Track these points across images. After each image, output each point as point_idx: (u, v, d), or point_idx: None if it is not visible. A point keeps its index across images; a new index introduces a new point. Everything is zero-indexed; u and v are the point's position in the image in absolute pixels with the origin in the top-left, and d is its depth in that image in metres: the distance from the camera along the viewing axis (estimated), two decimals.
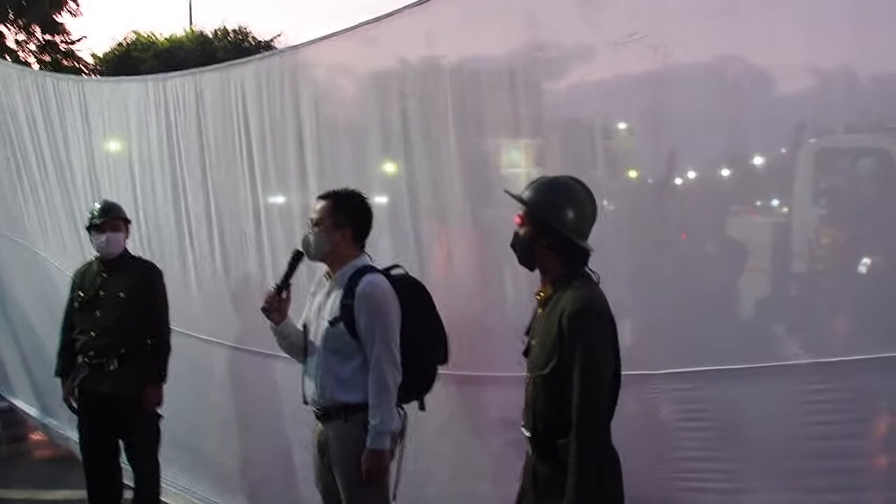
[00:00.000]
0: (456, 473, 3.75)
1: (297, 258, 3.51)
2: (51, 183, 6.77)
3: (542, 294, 2.79)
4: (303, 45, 4.51)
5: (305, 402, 3.52)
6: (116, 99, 5.87)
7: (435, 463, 3.50)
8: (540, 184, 2.78)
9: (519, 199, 2.78)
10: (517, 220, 2.80)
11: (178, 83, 5.22)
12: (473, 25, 3.64)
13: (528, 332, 2.88)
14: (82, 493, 5.02)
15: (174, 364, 4.82)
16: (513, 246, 2.83)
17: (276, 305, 3.49)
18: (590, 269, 2.73)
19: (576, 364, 2.54)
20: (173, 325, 4.89)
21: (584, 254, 2.71)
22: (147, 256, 5.23)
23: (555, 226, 2.67)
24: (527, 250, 2.78)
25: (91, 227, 4.83)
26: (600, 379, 2.58)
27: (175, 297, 4.96)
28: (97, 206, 4.95)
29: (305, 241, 3.47)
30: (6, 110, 7.38)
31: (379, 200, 3.80)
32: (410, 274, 3.55)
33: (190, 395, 5.16)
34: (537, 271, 2.84)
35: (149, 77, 5.70)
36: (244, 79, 4.73)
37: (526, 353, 2.85)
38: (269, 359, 4.61)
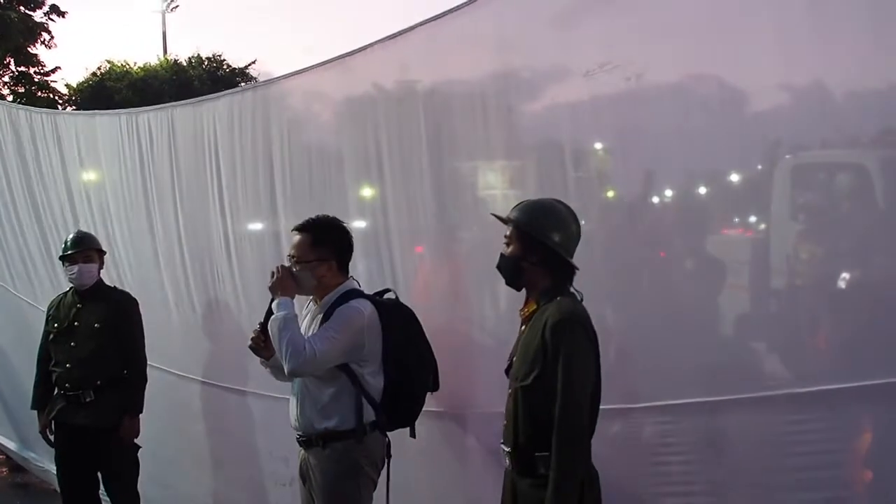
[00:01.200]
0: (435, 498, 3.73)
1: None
2: (21, 217, 6.74)
3: (526, 310, 2.80)
4: (278, 79, 4.58)
5: (291, 425, 3.48)
6: (90, 132, 5.87)
7: (415, 490, 3.46)
8: (525, 205, 2.82)
9: (505, 219, 2.82)
10: (505, 240, 2.82)
11: (151, 116, 5.23)
12: (446, 51, 3.66)
13: (513, 355, 2.86)
14: None
15: (149, 399, 4.74)
16: (499, 267, 2.86)
17: (262, 343, 3.44)
18: (574, 289, 2.76)
19: (559, 373, 2.56)
20: (150, 361, 4.83)
21: (571, 270, 2.75)
22: (124, 289, 5.15)
23: (542, 240, 2.71)
24: (514, 269, 2.80)
25: (63, 258, 4.77)
26: (582, 388, 2.59)
27: (151, 331, 4.89)
28: (70, 237, 4.90)
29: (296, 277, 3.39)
30: None
31: (356, 225, 3.79)
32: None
33: (164, 431, 5.10)
34: (520, 293, 2.84)
35: (122, 111, 5.72)
36: (217, 112, 4.74)
37: (507, 372, 2.86)
38: (243, 395, 4.61)
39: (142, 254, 5.40)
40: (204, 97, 5.06)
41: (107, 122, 5.70)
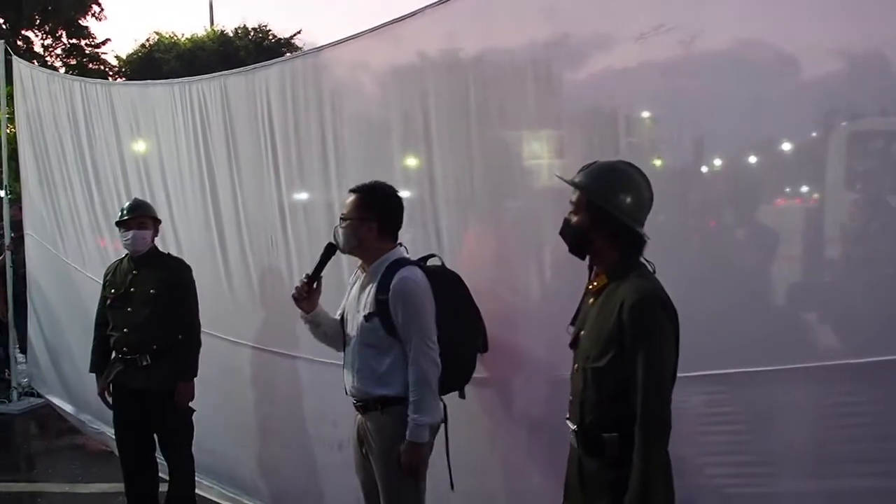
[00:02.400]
0: (482, 468, 3.74)
1: (329, 251, 3.52)
2: (73, 185, 6.88)
3: (595, 284, 2.70)
4: (326, 46, 4.53)
5: (346, 392, 3.51)
6: (144, 102, 5.94)
7: (462, 458, 3.47)
8: (595, 168, 2.67)
9: (574, 184, 2.67)
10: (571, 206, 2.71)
11: (205, 86, 5.28)
12: (493, 19, 3.63)
13: (573, 323, 2.79)
14: (119, 487, 5.10)
15: (201, 364, 4.85)
16: (562, 234, 2.72)
17: (306, 295, 3.49)
18: (645, 259, 2.63)
19: (639, 357, 2.45)
20: (203, 327, 4.93)
21: (641, 242, 2.62)
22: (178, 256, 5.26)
23: (612, 212, 2.58)
24: (580, 238, 2.67)
25: (119, 224, 4.88)
26: (666, 372, 2.49)
27: (203, 297, 4.99)
28: (127, 204, 5.01)
29: (335, 235, 3.46)
30: (34, 114, 7.53)
31: (402, 195, 3.75)
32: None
33: (216, 395, 5.18)
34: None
35: (175, 81, 5.76)
36: (269, 81, 4.77)
37: (573, 345, 2.76)
38: (293, 360, 4.67)
39: (196, 222, 5.47)
40: (256, 65, 5.06)
41: (161, 92, 5.76)
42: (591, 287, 2.72)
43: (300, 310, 3.56)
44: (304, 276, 3.55)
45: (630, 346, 2.47)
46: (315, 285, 3.53)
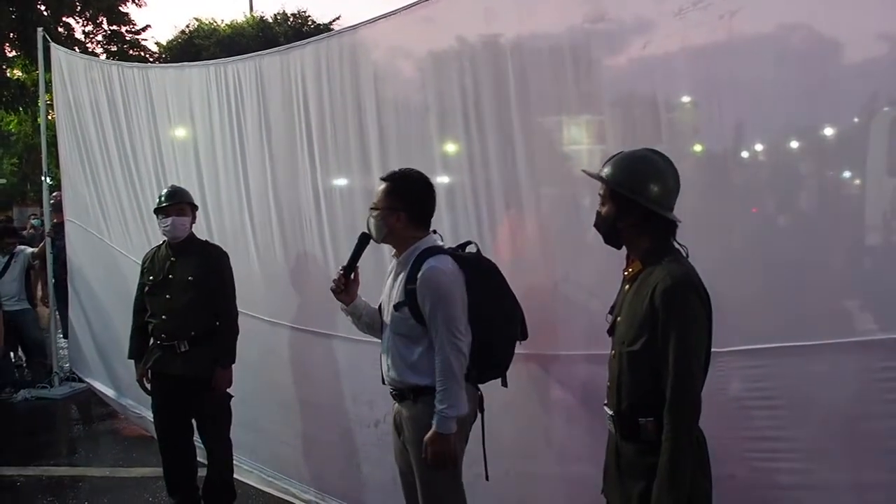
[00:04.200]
0: (521, 452, 3.75)
1: (363, 241, 3.52)
2: (115, 171, 6.92)
3: (630, 270, 2.73)
4: (361, 24, 4.49)
5: (383, 381, 3.53)
6: (180, 84, 5.95)
7: (499, 442, 3.49)
8: (619, 159, 2.70)
9: (598, 177, 2.72)
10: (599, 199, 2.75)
11: (240, 67, 5.27)
12: (531, 2, 3.60)
13: (611, 311, 2.83)
14: (158, 471, 5.21)
15: (239, 346, 4.90)
16: (597, 226, 2.77)
17: (343, 287, 3.51)
18: (678, 243, 2.66)
19: (670, 340, 2.48)
20: (240, 308, 4.98)
21: (672, 226, 2.65)
22: (212, 240, 5.30)
23: (638, 201, 2.61)
24: (610, 228, 2.72)
25: (158, 211, 4.93)
26: (696, 355, 2.51)
27: (240, 280, 5.04)
28: (165, 191, 5.04)
29: (369, 225, 3.47)
30: (74, 100, 7.58)
31: (440, 180, 3.78)
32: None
33: (255, 377, 5.23)
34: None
35: (210, 62, 5.77)
36: (304, 61, 4.76)
37: (610, 332, 2.79)
38: (329, 339, 4.70)
39: (231, 204, 5.49)
40: (291, 45, 5.01)
41: (196, 74, 5.76)
42: (626, 273, 2.75)
43: (340, 302, 3.57)
44: (340, 268, 3.56)
45: (661, 331, 2.50)
46: (353, 276, 3.55)
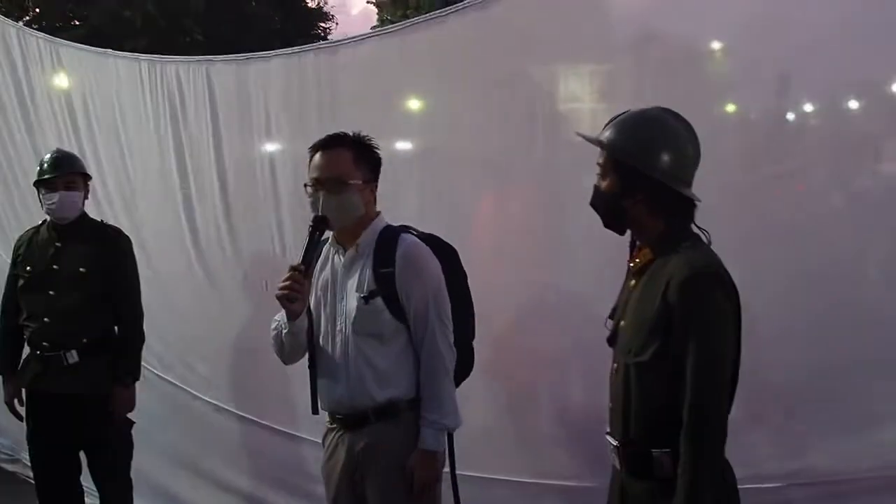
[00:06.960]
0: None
1: (319, 228, 2.87)
2: None
3: (637, 261, 2.38)
4: None
5: (316, 412, 3.02)
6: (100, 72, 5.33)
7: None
8: (623, 120, 2.35)
9: (597, 142, 2.35)
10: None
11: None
12: None
13: (612, 314, 2.47)
14: None
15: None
16: (594, 205, 2.41)
17: (298, 288, 2.86)
18: (699, 227, 2.31)
19: (690, 347, 2.15)
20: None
21: (690, 206, 2.30)
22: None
23: (647, 172, 2.27)
24: (613, 208, 2.36)
25: (40, 183, 4.20)
26: (722, 365, 2.19)
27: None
28: (47, 157, 4.32)
29: (318, 205, 2.88)
30: None
31: (401, 146, 3.39)
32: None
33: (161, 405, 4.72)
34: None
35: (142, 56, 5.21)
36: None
37: (611, 341, 2.44)
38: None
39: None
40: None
41: (124, 66, 5.14)
42: (632, 265, 2.42)
43: (289, 313, 2.91)
44: (290, 267, 2.88)
45: (678, 335, 2.18)
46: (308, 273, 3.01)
